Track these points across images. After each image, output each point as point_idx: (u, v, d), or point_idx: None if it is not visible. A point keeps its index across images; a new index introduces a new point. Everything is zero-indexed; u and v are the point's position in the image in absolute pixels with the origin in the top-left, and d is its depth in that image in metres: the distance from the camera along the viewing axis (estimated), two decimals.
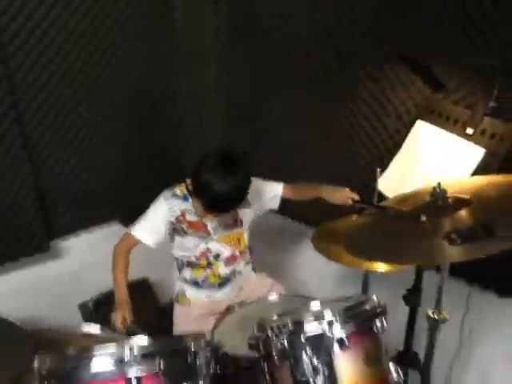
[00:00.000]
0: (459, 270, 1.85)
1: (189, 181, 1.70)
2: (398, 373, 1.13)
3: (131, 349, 0.87)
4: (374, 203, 1.55)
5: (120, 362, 0.85)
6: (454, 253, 1.02)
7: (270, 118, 2.38)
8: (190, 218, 1.80)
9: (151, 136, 2.38)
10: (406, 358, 1.89)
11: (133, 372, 0.85)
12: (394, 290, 1.83)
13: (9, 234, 1.98)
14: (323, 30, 2.04)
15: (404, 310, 1.87)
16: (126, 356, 0.86)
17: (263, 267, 2.09)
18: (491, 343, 1.91)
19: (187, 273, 1.89)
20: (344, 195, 1.67)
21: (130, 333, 1.71)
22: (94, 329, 1.58)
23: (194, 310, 1.88)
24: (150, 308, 2.52)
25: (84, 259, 2.30)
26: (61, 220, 2.16)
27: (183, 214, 1.80)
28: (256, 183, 1.85)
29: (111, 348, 0.88)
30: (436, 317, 1.27)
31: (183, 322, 1.87)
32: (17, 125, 1.88)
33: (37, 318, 2.01)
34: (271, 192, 1.89)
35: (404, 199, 1.36)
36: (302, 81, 2.19)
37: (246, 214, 1.88)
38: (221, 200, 1.60)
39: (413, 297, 1.79)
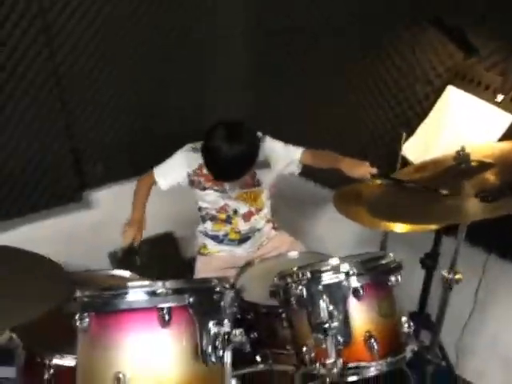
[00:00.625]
0: (478, 238, 1.88)
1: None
2: (409, 325, 1.19)
3: (163, 283, 0.95)
4: (392, 177, 1.52)
5: (153, 293, 0.94)
6: (479, 211, 1.05)
7: (298, 82, 2.39)
8: (207, 172, 1.84)
9: (176, 98, 2.41)
10: (418, 319, 1.96)
11: (164, 303, 0.93)
12: (413, 254, 1.89)
13: (45, 184, 2.09)
14: None
15: (421, 274, 1.93)
16: (159, 289, 0.94)
17: (285, 227, 2.15)
18: (504, 310, 1.95)
19: (208, 226, 1.97)
20: (363, 170, 1.60)
21: (132, 251, 1.91)
22: (124, 273, 1.71)
23: (215, 262, 1.96)
24: (174, 261, 2.64)
25: (114, 210, 2.40)
26: (93, 172, 2.26)
27: (200, 168, 1.85)
28: (276, 145, 1.90)
29: (145, 282, 0.97)
30: (450, 276, 1.31)
31: (204, 272, 1.97)
32: (53, 76, 1.94)
33: (69, 264, 2.15)
34: (289, 156, 1.90)
35: (425, 166, 1.38)
36: (332, 42, 2.17)
37: (265, 175, 1.91)
38: (225, 168, 1.65)
39: (430, 260, 1.84)
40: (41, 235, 2.15)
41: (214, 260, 1.98)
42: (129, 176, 2.40)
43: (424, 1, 1.80)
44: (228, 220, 1.93)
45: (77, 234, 2.30)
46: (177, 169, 1.88)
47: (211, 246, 2.00)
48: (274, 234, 2.07)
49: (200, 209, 1.97)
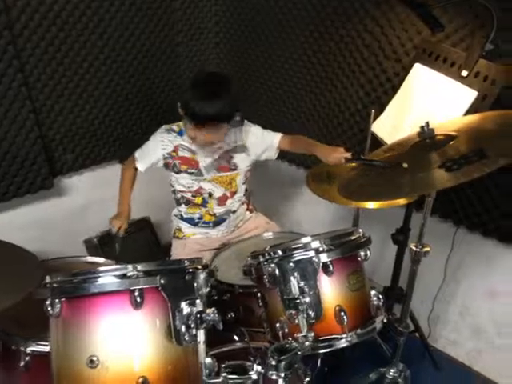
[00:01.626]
0: (447, 213, 1.94)
1: (179, 104, 1.72)
2: (378, 298, 1.23)
3: (134, 266, 0.96)
4: (363, 159, 1.54)
5: (124, 276, 0.94)
6: (444, 180, 1.08)
7: (268, 59, 2.38)
8: (183, 154, 1.85)
9: (149, 78, 2.38)
10: (392, 293, 2.03)
11: (136, 285, 0.94)
12: (385, 230, 1.93)
13: (14, 171, 2.04)
14: None
15: (393, 249, 1.98)
16: (130, 271, 0.95)
17: (260, 208, 2.18)
18: (473, 280, 2.03)
19: (183, 209, 1.98)
20: (337, 155, 1.61)
21: (119, 239, 1.96)
22: (99, 260, 1.70)
23: (190, 245, 1.98)
24: (150, 246, 2.63)
25: (87, 197, 2.39)
26: (63, 159, 2.22)
27: (175, 150, 1.85)
28: (254, 131, 1.91)
29: (116, 266, 0.97)
30: (418, 249, 1.35)
31: (180, 256, 1.98)
32: (16, 61, 1.88)
33: (43, 253, 2.12)
34: (267, 142, 1.90)
35: (393, 147, 1.41)
36: (301, 20, 2.16)
37: (242, 160, 1.92)
38: (206, 113, 1.62)
39: (401, 236, 1.89)
40: (13, 223, 2.12)
41: (189, 243, 1.99)
42: (100, 162, 2.38)
43: None
44: (203, 204, 1.94)
45: (50, 221, 2.28)
46: (152, 151, 1.88)
47: (186, 228, 2.01)
48: (249, 216, 2.09)
49: (175, 191, 1.97)
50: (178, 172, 1.88)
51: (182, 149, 1.85)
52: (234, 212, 2.00)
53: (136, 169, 1.92)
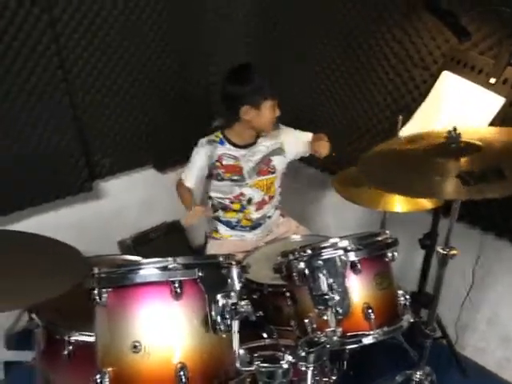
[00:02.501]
0: (475, 219, 1.95)
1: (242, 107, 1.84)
2: (405, 298, 1.26)
3: (174, 259, 1.03)
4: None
5: (165, 268, 1.02)
6: (457, 191, 1.11)
7: (296, 67, 2.44)
8: (227, 162, 1.94)
9: (182, 88, 2.47)
10: (418, 298, 2.04)
11: (176, 277, 1.01)
12: (413, 235, 1.95)
13: (56, 175, 2.16)
14: None
15: (421, 254, 2.00)
16: (170, 264, 1.02)
17: (290, 213, 2.23)
18: (502, 288, 2.02)
19: (220, 213, 2.05)
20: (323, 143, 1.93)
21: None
22: (134, 258, 1.79)
23: (226, 246, 2.04)
24: (182, 249, 2.72)
25: (122, 200, 2.49)
26: (101, 163, 2.33)
27: (220, 160, 1.94)
28: (288, 131, 2.02)
29: (157, 259, 1.04)
30: (445, 252, 1.38)
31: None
32: (60, 71, 1.99)
33: (81, 251, 2.23)
34: (303, 138, 2.03)
35: (416, 139, 1.42)
36: (330, 28, 2.21)
37: (280, 162, 2.02)
38: (266, 85, 1.83)
39: (428, 240, 1.90)
40: (53, 224, 2.22)
41: (226, 243, 2.06)
42: (135, 166, 2.48)
43: None
44: (241, 209, 2.02)
45: (87, 222, 2.38)
46: (198, 166, 1.97)
47: (223, 230, 2.08)
48: (281, 221, 2.16)
49: (210, 198, 2.05)
50: (221, 180, 1.96)
51: (226, 157, 1.94)
52: (270, 217, 2.08)
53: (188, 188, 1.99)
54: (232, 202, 2.01)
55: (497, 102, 1.49)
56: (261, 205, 2.03)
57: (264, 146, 1.99)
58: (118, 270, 1.04)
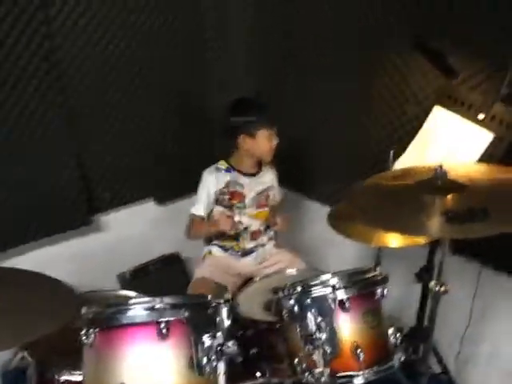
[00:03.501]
0: (473, 252, 1.94)
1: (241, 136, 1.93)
2: (396, 336, 1.25)
3: (161, 299, 1.04)
4: None
5: (152, 309, 1.02)
6: (449, 230, 1.11)
7: (292, 97, 2.49)
8: (234, 188, 2.00)
9: (183, 120, 2.51)
10: (417, 333, 2.00)
11: (163, 317, 1.01)
12: (409, 269, 1.94)
13: (57, 209, 2.19)
14: (349, 19, 2.12)
15: (418, 288, 1.98)
16: (157, 304, 1.03)
17: (286, 244, 2.24)
18: (501, 321, 1.98)
19: (215, 242, 2.09)
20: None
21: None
22: (130, 293, 1.79)
23: (219, 262, 2.07)
24: (181, 281, 2.71)
25: (122, 233, 2.51)
26: (101, 197, 2.36)
27: (227, 186, 2.00)
28: (275, 175, 2.13)
29: (145, 298, 1.05)
30: (437, 288, 1.37)
31: (208, 267, 2.05)
32: (63, 109, 2.06)
33: (80, 286, 2.23)
34: (277, 192, 2.16)
35: (402, 174, 1.44)
36: (327, 61, 2.27)
37: (272, 198, 2.11)
38: (267, 116, 1.92)
39: (425, 274, 1.89)
40: (54, 258, 2.24)
41: (219, 259, 2.08)
42: (135, 200, 2.51)
43: (411, 25, 1.90)
44: (237, 238, 2.05)
45: (87, 255, 2.38)
46: (209, 195, 2.02)
47: (216, 251, 2.11)
48: (275, 252, 2.17)
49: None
50: (225, 207, 2.01)
51: (232, 184, 2.00)
52: (263, 245, 2.11)
53: (202, 218, 2.03)
54: (229, 230, 2.02)
55: (485, 137, 1.51)
56: (256, 235, 2.08)
57: (268, 177, 2.08)
58: (106, 311, 1.05)
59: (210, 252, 2.12)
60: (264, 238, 2.11)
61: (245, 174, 2.03)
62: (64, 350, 1.34)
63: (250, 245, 2.07)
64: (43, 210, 2.15)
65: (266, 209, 2.08)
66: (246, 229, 2.05)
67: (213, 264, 2.05)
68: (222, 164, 2.03)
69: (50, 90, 2.00)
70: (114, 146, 2.33)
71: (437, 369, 1.98)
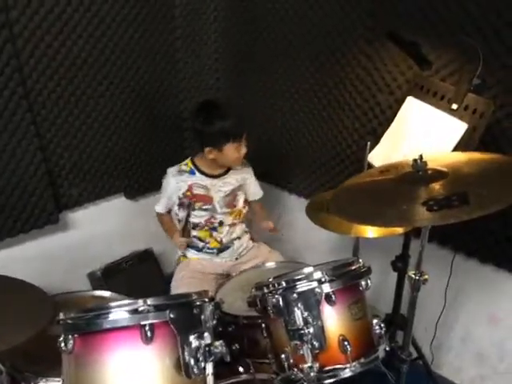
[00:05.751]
0: (445, 239, 1.98)
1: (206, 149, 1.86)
2: (380, 327, 1.26)
3: (144, 301, 0.99)
4: None
5: (135, 311, 0.98)
6: (429, 217, 1.13)
7: (262, 92, 2.46)
8: (197, 191, 1.93)
9: (152, 115, 2.45)
10: (394, 320, 2.04)
11: (146, 320, 0.97)
12: (385, 258, 1.97)
13: (21, 207, 2.08)
14: (319, 12, 2.10)
15: (394, 277, 2.01)
16: (140, 306, 0.98)
17: (262, 237, 2.22)
18: (474, 306, 2.05)
19: (193, 233, 2.02)
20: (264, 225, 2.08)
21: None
22: (105, 293, 1.73)
23: (193, 264, 2.03)
24: (154, 277, 2.66)
25: (91, 230, 2.42)
26: (68, 193, 2.27)
27: (190, 189, 1.93)
28: (251, 171, 2.09)
29: (127, 301, 1.01)
30: (417, 277, 1.39)
31: (183, 272, 2.01)
32: (25, 101, 1.95)
33: (49, 286, 2.15)
34: (256, 190, 2.15)
35: (388, 169, 1.45)
36: (296, 56, 2.25)
37: (241, 198, 2.06)
38: (238, 125, 1.83)
39: (400, 263, 1.92)
40: (20, 259, 2.15)
41: (193, 263, 2.04)
42: (104, 195, 2.43)
43: (384, 16, 1.90)
44: (213, 229, 2.01)
45: (55, 254, 2.30)
46: (170, 195, 1.98)
47: (191, 254, 2.06)
48: (251, 245, 2.14)
49: (179, 221, 2.02)
50: (193, 209, 1.95)
51: (196, 187, 1.93)
52: (239, 238, 2.06)
53: (168, 212, 2.04)
54: (206, 221, 2.00)
55: (460, 127, 1.53)
56: (232, 226, 2.05)
57: (234, 178, 2.01)
58: (85, 316, 0.99)
59: (184, 255, 2.08)
60: (239, 230, 2.08)
61: (209, 176, 1.96)
62: (41, 356, 1.29)
63: (226, 237, 2.03)
64: (6, 209, 2.04)
65: (235, 209, 2.04)
66: (221, 223, 2.01)
67: (188, 275, 1.99)
68: (187, 165, 1.98)
69: (12, 86, 1.90)
70: (82, 141, 2.23)
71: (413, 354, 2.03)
